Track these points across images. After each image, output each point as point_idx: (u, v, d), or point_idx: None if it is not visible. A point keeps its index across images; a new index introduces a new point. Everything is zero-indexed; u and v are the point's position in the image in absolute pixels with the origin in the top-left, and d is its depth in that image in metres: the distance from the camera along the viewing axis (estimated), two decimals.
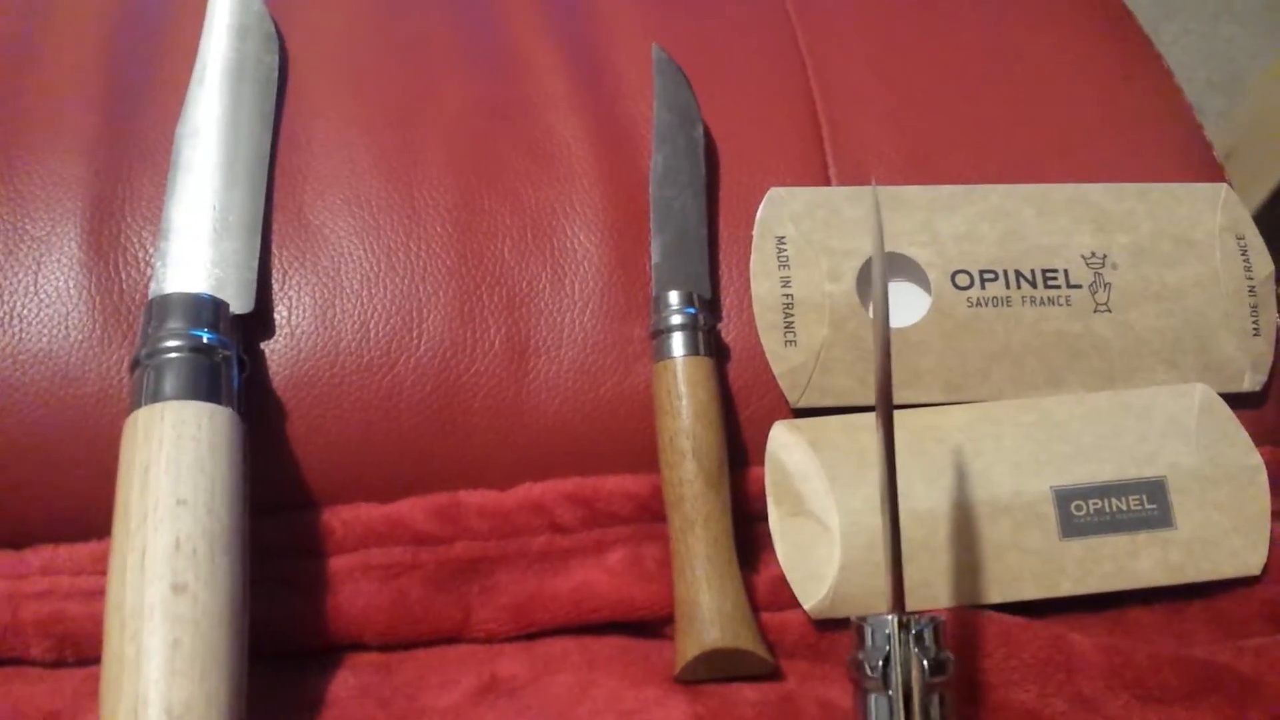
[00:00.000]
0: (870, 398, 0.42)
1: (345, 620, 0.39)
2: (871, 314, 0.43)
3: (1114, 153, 0.49)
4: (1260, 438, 0.43)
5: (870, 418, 0.42)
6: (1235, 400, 0.43)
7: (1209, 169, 0.49)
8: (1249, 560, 0.40)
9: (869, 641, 0.32)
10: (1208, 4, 1.22)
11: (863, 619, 0.33)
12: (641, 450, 0.42)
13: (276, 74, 0.48)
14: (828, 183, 0.47)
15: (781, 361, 0.42)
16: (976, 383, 0.42)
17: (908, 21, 0.53)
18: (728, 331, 0.44)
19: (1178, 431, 0.41)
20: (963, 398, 0.42)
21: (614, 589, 0.40)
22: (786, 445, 0.41)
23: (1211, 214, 0.46)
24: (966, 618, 0.38)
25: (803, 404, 0.42)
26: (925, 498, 0.39)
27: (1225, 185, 0.47)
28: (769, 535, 0.41)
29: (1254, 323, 0.44)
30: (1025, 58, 0.52)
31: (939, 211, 0.45)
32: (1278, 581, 0.41)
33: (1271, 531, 0.41)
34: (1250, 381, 0.44)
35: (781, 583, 0.40)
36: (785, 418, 0.42)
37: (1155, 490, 0.40)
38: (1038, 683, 0.37)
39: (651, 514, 0.41)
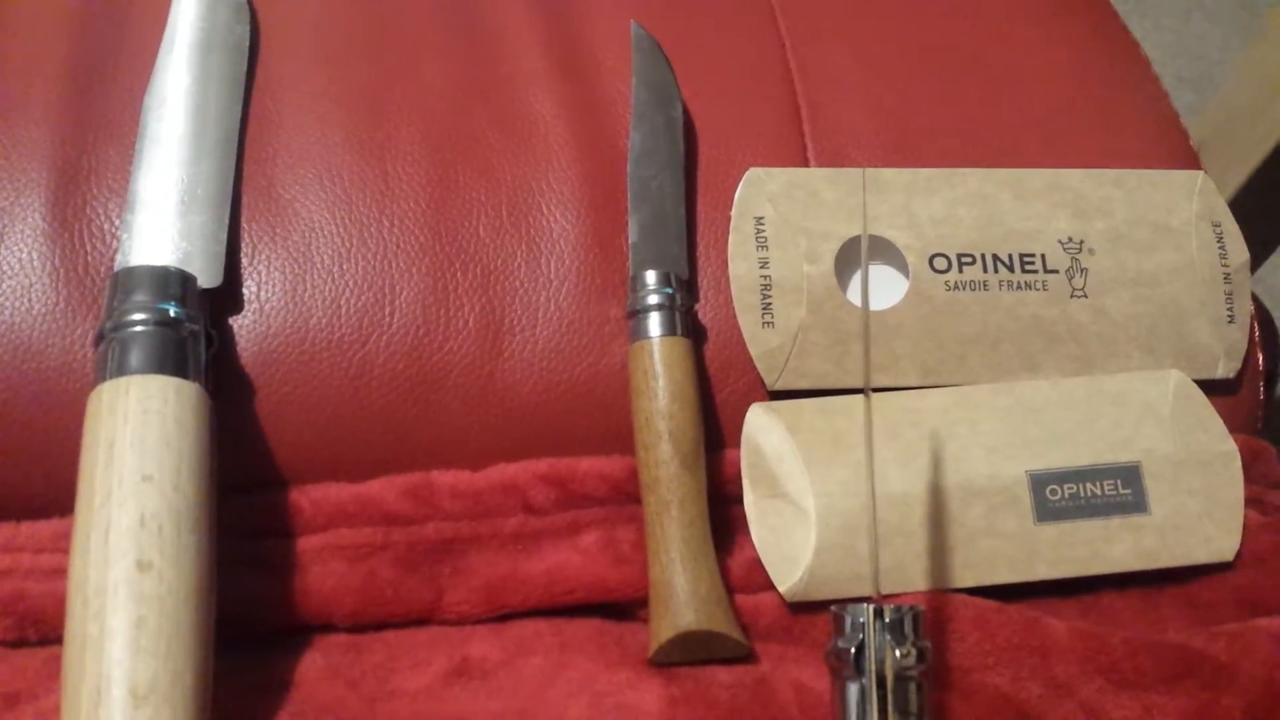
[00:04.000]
0: (847, 381, 0.42)
1: (314, 600, 0.38)
2: (849, 296, 0.43)
3: (1092, 139, 0.49)
4: (1234, 425, 0.43)
5: (845, 400, 0.41)
6: (1209, 387, 0.44)
7: (1185, 156, 0.50)
8: (1222, 546, 0.40)
9: (845, 629, 0.32)
10: (1179, 1, 1.23)
11: (841, 607, 0.33)
12: (617, 431, 0.42)
13: (247, 45, 0.47)
14: (806, 164, 0.47)
15: (759, 343, 0.42)
16: (953, 367, 0.42)
17: (888, 5, 0.53)
18: (705, 312, 0.43)
19: (1152, 417, 0.42)
20: (939, 381, 0.42)
21: (588, 571, 0.40)
22: (763, 428, 0.41)
23: (1188, 201, 0.46)
24: (941, 602, 0.38)
25: (780, 386, 0.42)
26: (900, 481, 0.39)
27: (1201, 173, 0.47)
28: (744, 518, 0.41)
29: (1229, 310, 0.44)
30: (1004, 43, 0.52)
31: (917, 194, 0.44)
32: (1251, 567, 0.41)
33: (1245, 518, 0.41)
34: (1224, 369, 0.44)
35: (756, 565, 0.40)
36: (762, 400, 0.42)
37: (1130, 475, 0.40)
38: (1012, 667, 0.37)
39: (626, 495, 0.41)
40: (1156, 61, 0.54)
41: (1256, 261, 0.73)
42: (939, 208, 0.44)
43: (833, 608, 0.33)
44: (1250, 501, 0.42)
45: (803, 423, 0.40)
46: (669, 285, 0.41)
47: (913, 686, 0.32)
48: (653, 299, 0.41)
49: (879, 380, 0.42)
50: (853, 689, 0.32)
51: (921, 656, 0.32)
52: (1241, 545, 0.41)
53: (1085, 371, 0.43)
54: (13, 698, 0.35)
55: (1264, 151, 0.63)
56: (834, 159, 0.47)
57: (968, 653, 0.37)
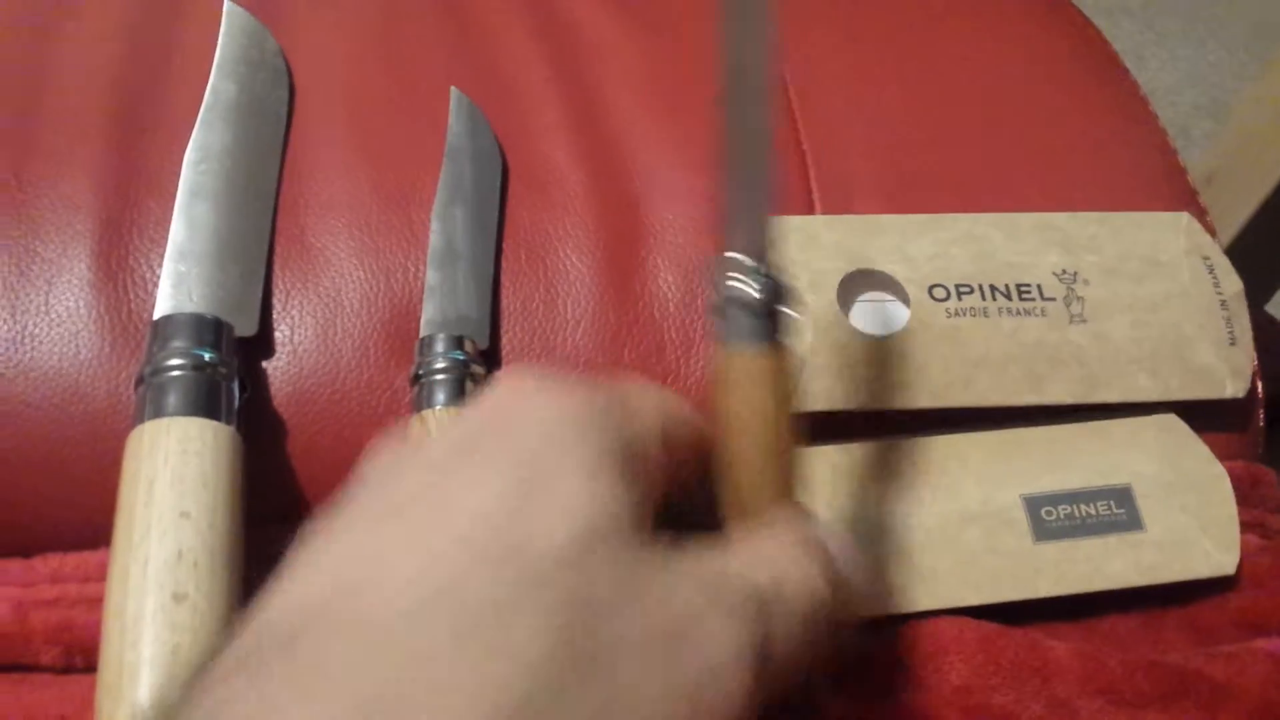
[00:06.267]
0: (854, 401, 0.43)
1: None
2: (853, 322, 0.44)
3: (1090, 180, 0.50)
4: (1235, 452, 0.44)
5: (843, 446, 0.43)
6: (1214, 413, 0.44)
7: (1184, 196, 0.51)
8: (1222, 560, 0.41)
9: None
10: (1194, 30, 1.24)
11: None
12: None
13: (286, 110, 0.49)
14: (812, 210, 0.49)
15: None
16: (960, 390, 0.43)
17: (890, 55, 0.55)
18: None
19: (1137, 445, 0.43)
20: (947, 404, 0.43)
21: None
22: None
23: (1175, 239, 0.47)
24: (946, 624, 0.39)
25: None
26: (895, 510, 0.41)
27: (1186, 214, 0.48)
28: None
29: (1230, 333, 0.45)
30: (1004, 87, 0.53)
31: (910, 237, 0.46)
32: (1252, 590, 0.41)
33: (1246, 542, 0.42)
34: (1233, 388, 0.44)
35: None
36: None
37: (1122, 496, 0.41)
38: (1015, 687, 0.38)
39: None
40: (1172, 91, 0.55)
41: (1272, 286, 0.73)
42: (930, 247, 0.46)
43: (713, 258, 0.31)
44: (1251, 526, 0.42)
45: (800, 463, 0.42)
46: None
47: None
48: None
49: (889, 404, 0.43)
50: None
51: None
52: (1242, 568, 0.41)
53: (1091, 394, 0.44)
54: None
55: (1276, 178, 0.64)
56: (840, 205, 0.49)
57: (973, 673, 0.38)
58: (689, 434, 0.30)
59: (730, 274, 0.31)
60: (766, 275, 0.31)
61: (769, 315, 0.31)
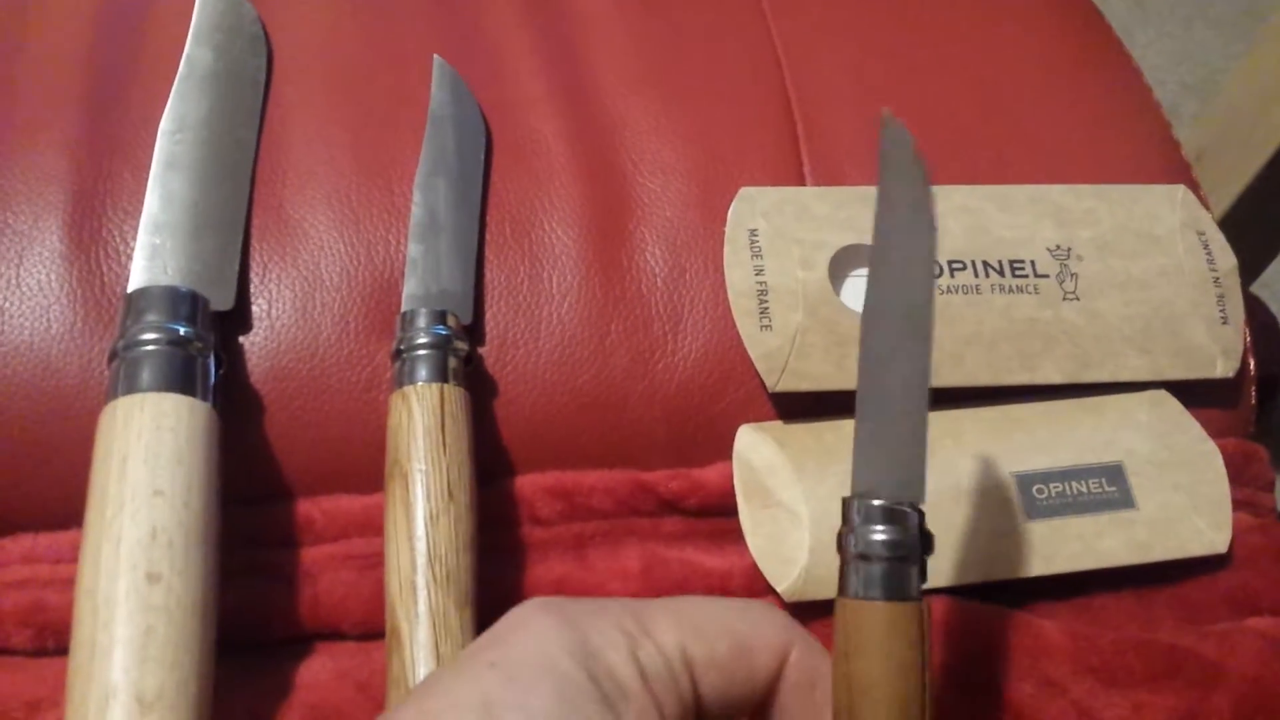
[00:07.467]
0: (846, 382, 0.42)
1: (324, 609, 0.39)
2: (845, 301, 0.43)
3: (1085, 154, 0.50)
4: (1227, 429, 0.44)
5: (832, 422, 0.42)
6: (1205, 391, 0.44)
7: (1178, 170, 0.50)
8: (1214, 539, 0.41)
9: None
10: (1181, 9, 1.24)
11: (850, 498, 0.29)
12: (618, 443, 0.43)
13: (264, 77, 0.48)
14: (803, 182, 0.48)
15: (758, 345, 0.43)
16: (951, 367, 0.43)
17: (884, 26, 0.54)
18: (702, 326, 0.44)
19: (1130, 423, 0.42)
20: (938, 382, 0.43)
21: (594, 584, 0.40)
22: (753, 444, 0.42)
23: (1170, 211, 0.46)
24: (937, 603, 0.39)
25: (781, 388, 0.42)
26: None
27: (1182, 186, 0.48)
28: (739, 530, 0.41)
29: (1221, 311, 0.45)
30: (999, 60, 0.53)
31: None
32: (1243, 569, 0.41)
33: (1237, 520, 0.42)
34: (1223, 368, 0.44)
35: (755, 572, 0.41)
36: (758, 411, 0.43)
37: (1114, 474, 0.41)
38: (1005, 666, 0.38)
39: (630, 509, 0.42)
40: (1160, 69, 0.55)
41: (1259, 266, 0.73)
42: None
43: (843, 498, 0.30)
44: (1242, 504, 0.42)
45: (791, 438, 0.41)
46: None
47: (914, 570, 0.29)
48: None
49: None
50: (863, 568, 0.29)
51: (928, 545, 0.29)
52: (1234, 546, 0.41)
53: (1083, 372, 0.43)
54: (34, 705, 0.36)
55: (1264, 157, 0.63)
56: (830, 178, 0.48)
57: (964, 652, 0.38)
58: (734, 661, 0.28)
59: (864, 520, 0.29)
60: (906, 521, 0.28)
61: (907, 565, 0.28)
